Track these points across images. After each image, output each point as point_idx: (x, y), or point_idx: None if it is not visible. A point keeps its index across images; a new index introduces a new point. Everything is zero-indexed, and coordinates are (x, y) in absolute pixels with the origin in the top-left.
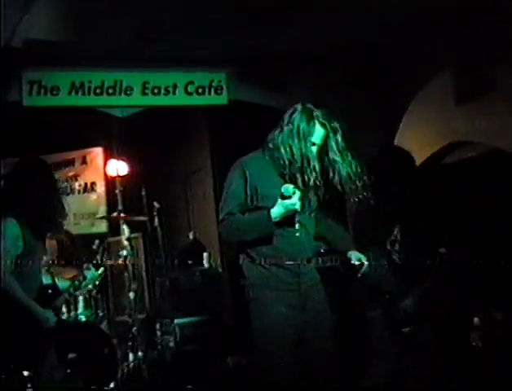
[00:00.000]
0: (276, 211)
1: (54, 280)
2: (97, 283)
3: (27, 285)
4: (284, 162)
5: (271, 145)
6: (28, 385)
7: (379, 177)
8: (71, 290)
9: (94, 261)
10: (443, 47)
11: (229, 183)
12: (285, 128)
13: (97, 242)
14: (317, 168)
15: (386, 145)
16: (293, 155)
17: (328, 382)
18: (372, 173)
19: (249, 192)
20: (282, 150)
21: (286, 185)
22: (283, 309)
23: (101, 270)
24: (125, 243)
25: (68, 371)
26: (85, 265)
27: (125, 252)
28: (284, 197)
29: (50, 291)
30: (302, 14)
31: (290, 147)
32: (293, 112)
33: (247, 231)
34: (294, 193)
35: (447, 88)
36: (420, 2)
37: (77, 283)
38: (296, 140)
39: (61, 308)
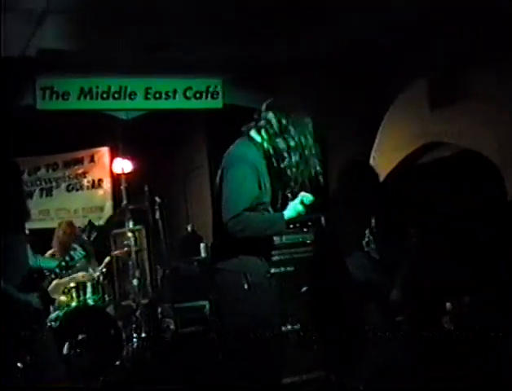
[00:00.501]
0: (290, 214)
1: (40, 264)
2: (104, 270)
3: (12, 275)
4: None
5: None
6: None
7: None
8: (57, 270)
9: (81, 242)
10: (418, 57)
11: (241, 179)
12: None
13: (85, 223)
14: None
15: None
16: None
17: None
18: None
19: (262, 187)
20: (283, 144)
21: (305, 193)
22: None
23: (107, 258)
24: (129, 234)
25: (78, 350)
26: (72, 246)
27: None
28: (302, 203)
29: (36, 275)
30: (292, 27)
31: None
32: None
33: (260, 229)
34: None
35: (422, 94)
36: (397, 16)
37: (63, 263)
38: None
39: (47, 290)
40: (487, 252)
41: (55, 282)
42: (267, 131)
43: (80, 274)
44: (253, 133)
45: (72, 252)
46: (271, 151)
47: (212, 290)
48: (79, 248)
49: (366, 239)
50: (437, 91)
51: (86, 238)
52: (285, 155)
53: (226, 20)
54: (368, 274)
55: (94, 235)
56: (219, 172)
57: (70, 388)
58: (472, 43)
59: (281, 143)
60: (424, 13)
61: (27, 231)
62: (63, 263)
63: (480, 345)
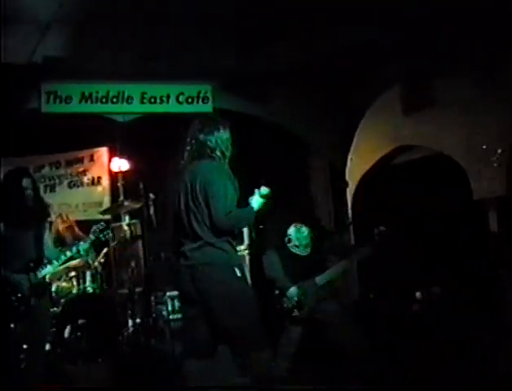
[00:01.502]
0: (256, 206)
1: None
2: (102, 261)
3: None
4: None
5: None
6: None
7: None
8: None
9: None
10: (393, 67)
11: (225, 184)
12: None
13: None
14: None
15: None
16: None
17: None
18: None
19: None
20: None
21: (262, 188)
22: None
23: (105, 249)
24: (126, 228)
25: (78, 334)
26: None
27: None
28: (262, 196)
29: (32, 264)
30: (277, 38)
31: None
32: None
33: (244, 221)
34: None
35: (395, 100)
36: (373, 27)
37: (76, 254)
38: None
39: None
40: (455, 246)
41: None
42: (221, 152)
43: (75, 261)
44: (215, 155)
45: (79, 246)
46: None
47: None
48: (86, 242)
49: None
50: (409, 98)
51: (95, 236)
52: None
53: (216, 31)
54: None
55: (107, 234)
56: (196, 187)
57: (70, 388)
58: (443, 52)
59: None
60: (398, 23)
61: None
62: (68, 253)
63: (449, 333)
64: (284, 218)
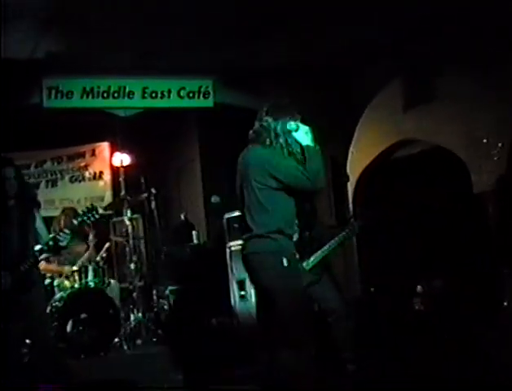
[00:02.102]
0: (309, 142)
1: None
2: (104, 255)
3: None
4: None
5: None
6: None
7: None
8: (44, 248)
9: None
10: (393, 62)
11: (293, 164)
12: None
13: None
14: None
15: None
16: None
17: None
18: None
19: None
20: None
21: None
22: None
23: (107, 244)
24: (127, 222)
25: (80, 328)
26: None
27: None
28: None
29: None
30: (276, 33)
31: None
32: None
33: (318, 163)
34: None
35: (396, 96)
36: (373, 22)
37: (51, 242)
38: None
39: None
40: (455, 239)
41: (43, 264)
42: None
43: (66, 267)
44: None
45: (60, 235)
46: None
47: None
48: (67, 232)
49: None
50: (410, 92)
51: (76, 223)
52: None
53: (217, 26)
54: None
55: (92, 216)
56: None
57: (70, 388)
58: (443, 47)
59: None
60: (399, 17)
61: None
62: (50, 242)
63: (450, 326)
64: None
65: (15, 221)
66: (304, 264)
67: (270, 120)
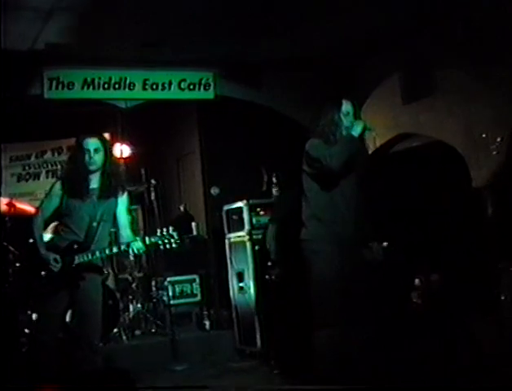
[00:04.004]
0: (357, 132)
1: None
2: None
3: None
4: None
5: None
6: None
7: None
8: None
9: None
10: (392, 56)
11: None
12: None
13: None
14: None
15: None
16: None
17: None
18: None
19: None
20: None
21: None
22: None
23: None
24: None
25: None
26: None
27: None
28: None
29: (76, 246)
30: (277, 25)
31: None
32: None
33: (347, 151)
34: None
35: (395, 89)
36: (372, 15)
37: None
38: None
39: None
40: (454, 233)
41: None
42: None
43: None
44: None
45: (134, 245)
46: None
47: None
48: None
49: None
50: (409, 86)
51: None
52: None
53: (218, 19)
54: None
55: (173, 242)
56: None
57: (70, 388)
58: (442, 41)
59: None
60: (397, 11)
61: None
62: (124, 247)
63: (447, 321)
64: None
65: (88, 204)
66: None
67: None
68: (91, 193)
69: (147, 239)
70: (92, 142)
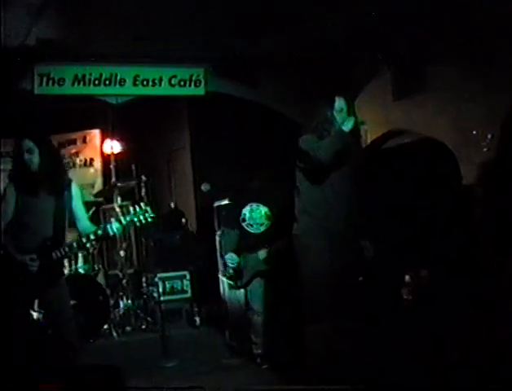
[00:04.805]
0: (348, 127)
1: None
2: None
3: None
4: None
5: None
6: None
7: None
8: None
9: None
10: (383, 53)
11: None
12: None
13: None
14: None
15: None
16: None
17: None
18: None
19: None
20: None
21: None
22: None
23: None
24: (118, 209)
25: None
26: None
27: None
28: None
29: (48, 243)
30: (268, 22)
31: None
32: None
33: (333, 144)
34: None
35: (386, 86)
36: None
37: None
38: None
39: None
40: (445, 229)
41: None
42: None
43: None
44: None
45: (112, 225)
46: None
47: None
48: (123, 221)
49: None
50: (399, 83)
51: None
52: None
53: (209, 15)
54: None
55: (147, 217)
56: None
57: (70, 388)
58: (431, 38)
59: None
60: (387, 9)
61: None
62: (99, 232)
63: (437, 317)
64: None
65: (43, 200)
66: (259, 253)
67: None
68: (41, 190)
69: (122, 218)
70: (25, 144)
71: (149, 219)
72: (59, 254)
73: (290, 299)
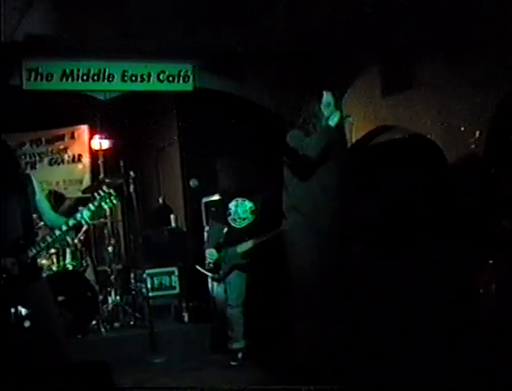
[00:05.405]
0: (334, 122)
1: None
2: (82, 238)
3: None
4: None
5: None
6: None
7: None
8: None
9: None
10: (372, 49)
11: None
12: None
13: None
14: None
15: None
16: None
17: None
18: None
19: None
20: None
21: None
22: None
23: (85, 227)
24: (105, 206)
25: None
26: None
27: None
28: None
29: (22, 241)
30: (256, 17)
31: None
32: None
33: (322, 140)
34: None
35: (374, 83)
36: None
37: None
38: None
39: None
40: (432, 225)
41: None
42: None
43: None
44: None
45: (82, 213)
46: None
47: None
48: (92, 207)
49: None
50: (388, 79)
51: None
52: None
53: (197, 10)
54: None
55: (112, 199)
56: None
57: (70, 388)
58: (419, 35)
59: None
60: (375, 5)
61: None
62: (71, 222)
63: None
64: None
65: (10, 198)
66: (238, 247)
67: None
68: (4, 192)
69: (90, 205)
70: None
71: (115, 201)
72: (34, 250)
73: (268, 293)
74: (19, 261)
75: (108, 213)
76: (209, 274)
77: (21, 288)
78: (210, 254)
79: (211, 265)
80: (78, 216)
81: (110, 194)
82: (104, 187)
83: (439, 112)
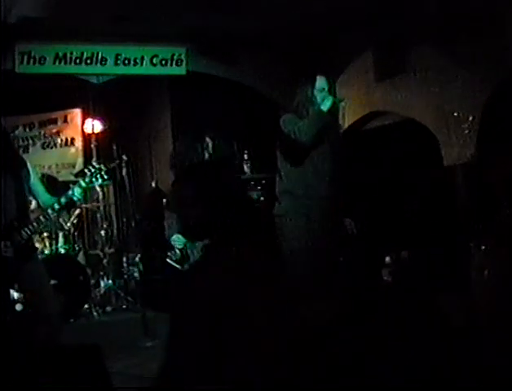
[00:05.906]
0: (326, 107)
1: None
2: (75, 222)
3: None
4: None
5: None
6: None
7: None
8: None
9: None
10: (365, 34)
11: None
12: None
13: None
14: None
15: None
16: None
17: None
18: None
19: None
20: None
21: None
22: None
23: (78, 211)
24: (99, 189)
25: None
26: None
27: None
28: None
29: (15, 223)
30: (250, 1)
31: None
32: None
33: (313, 125)
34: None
35: (368, 67)
36: None
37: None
38: None
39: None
40: (425, 211)
41: None
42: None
43: None
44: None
45: (74, 190)
46: None
47: None
48: (82, 184)
49: None
50: (381, 64)
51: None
52: None
53: None
54: None
55: (101, 176)
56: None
57: (71, 388)
58: (413, 21)
59: None
60: None
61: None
62: (63, 199)
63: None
64: None
65: (4, 181)
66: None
67: None
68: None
69: (82, 182)
70: None
71: (105, 176)
72: (28, 231)
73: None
74: (14, 243)
75: (100, 196)
76: (178, 265)
77: (16, 270)
78: (178, 240)
79: (178, 252)
80: (69, 193)
81: (100, 169)
82: (94, 163)
83: (433, 98)
